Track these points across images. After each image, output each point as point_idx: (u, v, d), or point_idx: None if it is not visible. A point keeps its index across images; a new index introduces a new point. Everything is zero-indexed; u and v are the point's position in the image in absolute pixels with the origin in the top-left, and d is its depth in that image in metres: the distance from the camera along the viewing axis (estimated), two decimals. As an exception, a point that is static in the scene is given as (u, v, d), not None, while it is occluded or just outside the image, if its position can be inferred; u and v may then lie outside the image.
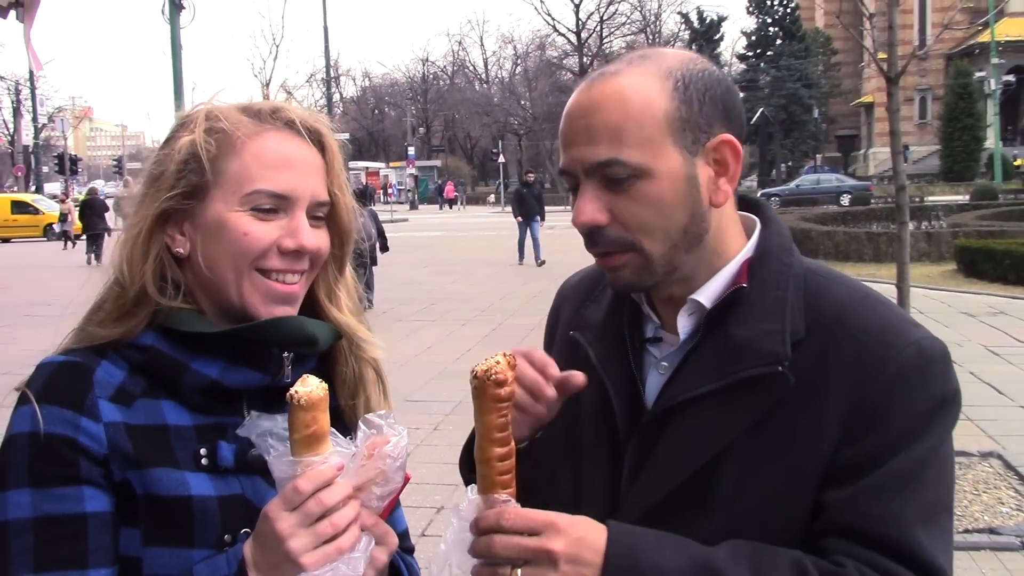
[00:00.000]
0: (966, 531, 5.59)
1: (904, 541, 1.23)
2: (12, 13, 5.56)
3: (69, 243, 32.19)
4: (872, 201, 39.09)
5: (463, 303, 16.17)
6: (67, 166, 44.14)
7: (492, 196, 69.66)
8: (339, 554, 1.21)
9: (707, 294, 1.38)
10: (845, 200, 42.50)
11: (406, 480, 1.33)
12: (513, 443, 1.27)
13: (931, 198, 38.41)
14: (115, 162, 65.96)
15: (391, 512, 1.36)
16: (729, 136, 1.36)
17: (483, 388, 1.24)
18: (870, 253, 20.25)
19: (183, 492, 1.30)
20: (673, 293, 1.40)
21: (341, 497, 1.21)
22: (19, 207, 41.11)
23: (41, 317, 15.21)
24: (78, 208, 28.73)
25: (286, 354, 1.40)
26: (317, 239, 1.39)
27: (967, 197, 36.93)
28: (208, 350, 1.35)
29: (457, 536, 1.27)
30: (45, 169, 62.72)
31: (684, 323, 1.40)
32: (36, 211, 40.79)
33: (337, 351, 1.49)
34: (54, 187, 52.18)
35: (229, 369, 1.35)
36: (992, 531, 5.56)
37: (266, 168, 1.36)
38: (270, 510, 1.20)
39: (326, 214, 1.43)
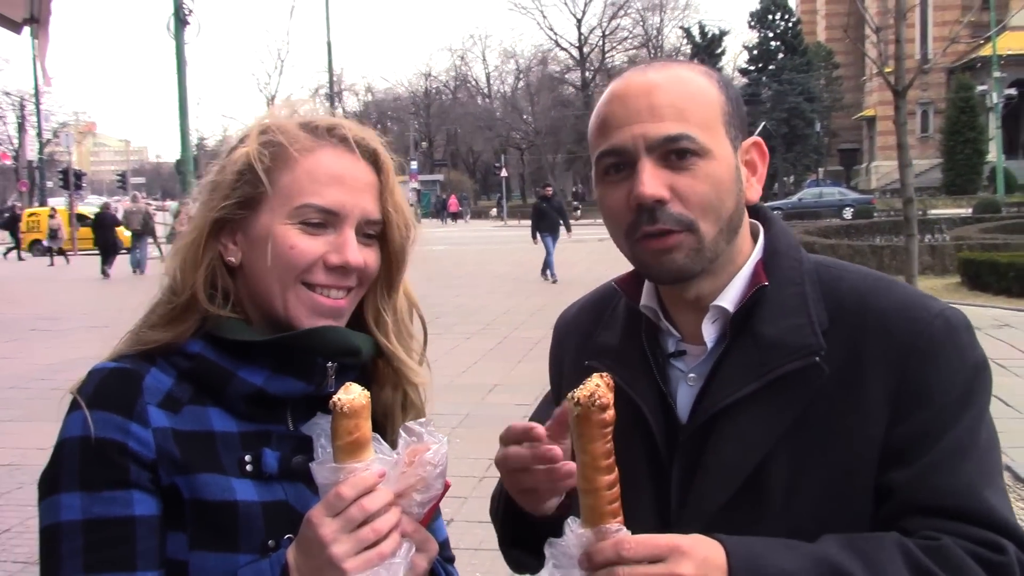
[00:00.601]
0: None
1: (980, 508, 1.26)
2: (27, 29, 5.61)
3: (58, 258, 32.45)
4: (875, 214, 39.11)
5: (467, 316, 16.18)
6: (71, 181, 44.14)
7: (494, 210, 69.73)
8: (380, 560, 1.23)
9: (728, 298, 1.40)
10: (848, 213, 42.51)
11: (446, 487, 1.33)
12: (617, 469, 1.22)
13: (934, 211, 38.39)
14: (119, 177, 66.09)
15: (432, 520, 1.37)
16: (759, 140, 1.42)
17: (587, 415, 1.18)
18: (873, 266, 20.12)
19: (229, 497, 1.32)
20: (700, 294, 1.41)
21: (383, 503, 1.23)
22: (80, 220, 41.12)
23: (48, 331, 15.26)
24: (92, 223, 28.99)
25: (330, 364, 1.41)
26: (364, 256, 1.41)
27: (970, 210, 36.94)
28: (254, 359, 1.37)
29: (558, 574, 1.22)
30: (50, 184, 62.76)
31: (709, 330, 1.41)
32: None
33: (381, 370, 1.50)
34: (58, 202, 52.27)
35: (274, 378, 1.37)
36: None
37: (317, 183, 1.38)
38: (313, 515, 1.22)
39: (378, 233, 1.44)
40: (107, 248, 27.19)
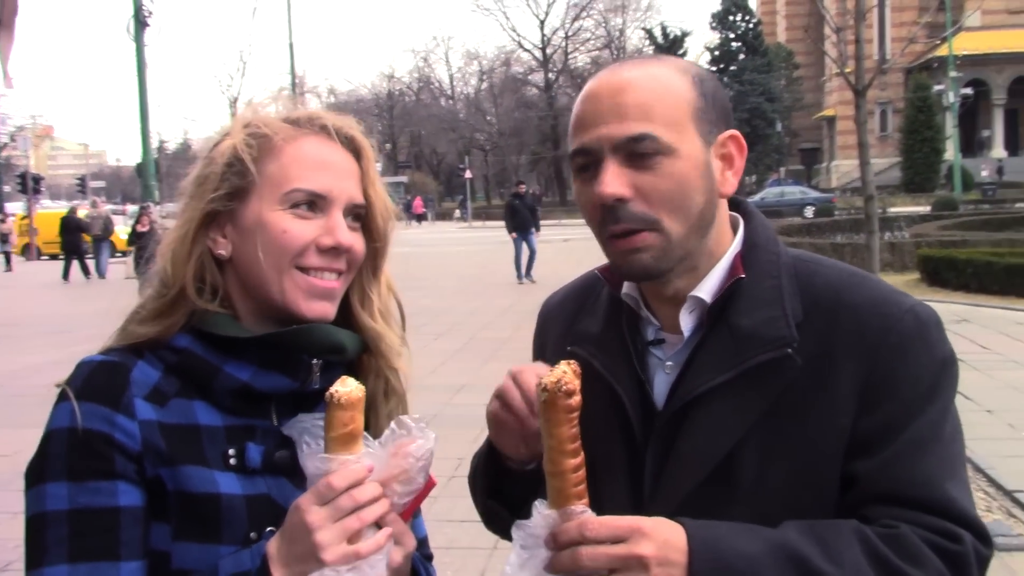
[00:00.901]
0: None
1: (939, 498, 1.30)
2: (-13, 31, 5.54)
3: (7, 264, 32.45)
4: (836, 213, 39.59)
5: (435, 317, 16.17)
6: (30, 185, 43.57)
7: (457, 211, 69.70)
8: (358, 557, 1.24)
9: (706, 289, 1.42)
10: (809, 212, 42.94)
11: (430, 484, 1.35)
12: (583, 454, 1.27)
13: (893, 209, 38.88)
14: (78, 181, 65.30)
15: (413, 516, 1.38)
16: (736, 132, 1.44)
17: (553, 401, 1.23)
18: (834, 264, 20.55)
19: (212, 490, 1.33)
20: (678, 289, 1.44)
21: (371, 496, 1.25)
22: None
23: (8, 337, 15.06)
24: (60, 225, 29.12)
25: (315, 361, 1.42)
26: (353, 239, 1.43)
27: (928, 208, 37.53)
28: (240, 354, 1.39)
29: (527, 554, 1.26)
30: (7, 189, 61.90)
31: (687, 320, 1.44)
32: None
33: (364, 362, 1.52)
34: (16, 206, 51.52)
35: (260, 373, 1.39)
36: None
37: (305, 169, 1.40)
38: (301, 502, 1.24)
39: (362, 217, 1.47)
40: (72, 252, 27.23)
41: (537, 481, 1.38)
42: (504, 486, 1.56)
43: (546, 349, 1.66)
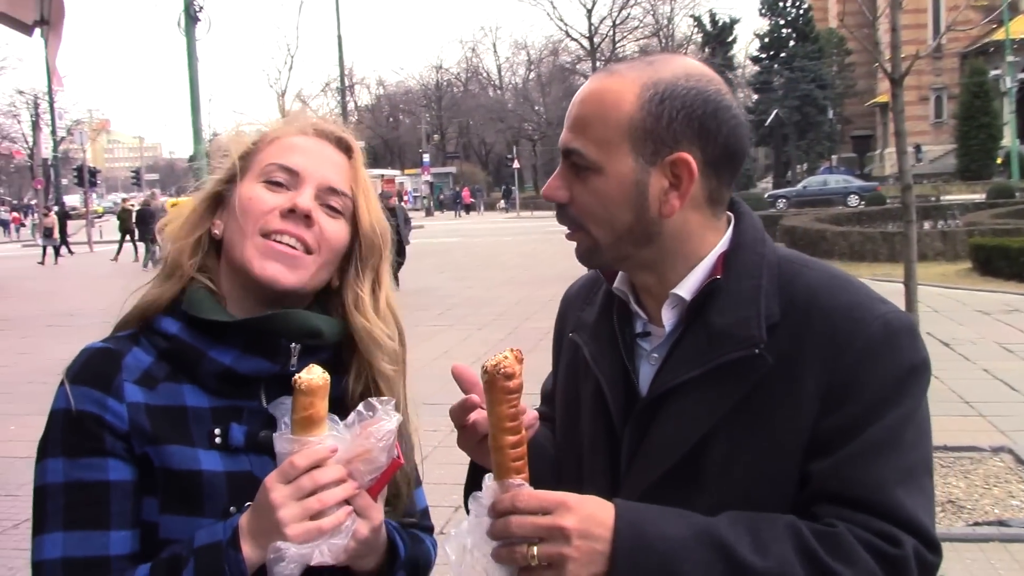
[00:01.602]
0: (976, 524, 5.67)
1: (885, 502, 1.32)
2: (37, 31, 5.73)
3: (52, 257, 33.19)
4: (888, 201, 38.99)
5: (479, 308, 16.29)
6: (86, 178, 44.44)
7: (501, 201, 69.67)
8: (320, 534, 1.33)
9: (686, 288, 1.48)
10: (853, 200, 42.23)
11: (395, 465, 1.42)
12: (524, 432, 1.36)
13: (947, 197, 38.24)
14: (133, 174, 66.43)
15: (382, 490, 1.44)
16: (687, 156, 1.42)
17: (493, 382, 1.33)
18: (885, 253, 20.24)
19: (194, 467, 1.45)
20: (648, 284, 1.51)
21: (333, 478, 1.35)
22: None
23: (64, 327, 15.44)
24: (135, 215, 30.99)
25: (293, 345, 1.52)
26: (321, 221, 1.53)
27: (984, 196, 36.78)
28: (224, 339, 1.50)
29: (475, 521, 1.36)
30: (64, 182, 63.17)
31: (668, 316, 1.50)
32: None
33: (354, 353, 1.60)
34: (74, 199, 52.61)
35: (242, 357, 1.49)
36: (1002, 523, 5.64)
37: (284, 150, 1.56)
38: (267, 481, 1.34)
39: (348, 214, 1.58)
40: (149, 241, 28.51)
41: None
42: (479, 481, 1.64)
43: (563, 335, 1.76)
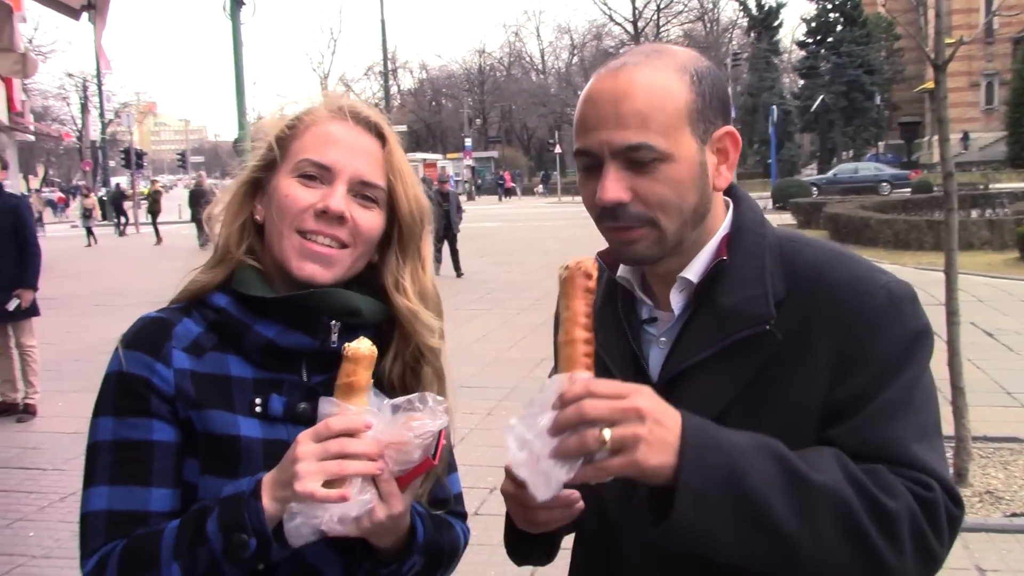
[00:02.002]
0: (1013, 515, 5.63)
1: (907, 456, 1.37)
2: (84, 15, 5.84)
3: (92, 238, 33.81)
4: (935, 188, 38.39)
5: (518, 292, 16.34)
6: (133, 160, 45.10)
7: (540, 187, 69.56)
8: (326, 499, 1.36)
9: (694, 270, 1.52)
10: (884, 189, 41.59)
11: (427, 464, 1.44)
12: (593, 332, 1.36)
13: (996, 185, 37.59)
14: (179, 156, 67.29)
15: (412, 483, 1.47)
16: (731, 128, 1.51)
17: (573, 277, 1.36)
18: (931, 241, 19.94)
19: (233, 432, 1.52)
20: (670, 269, 1.53)
21: (360, 451, 1.38)
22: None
23: (111, 307, 15.72)
24: (189, 196, 31.46)
25: (333, 322, 1.58)
26: (355, 214, 1.57)
27: (1033, 184, 36.09)
28: (269, 315, 1.56)
29: (533, 421, 1.31)
30: (112, 163, 64.09)
31: (676, 299, 1.53)
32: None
33: (396, 333, 1.65)
34: (120, 181, 53.33)
35: (285, 332, 1.56)
36: (1039, 515, 5.59)
37: (317, 144, 1.58)
38: (300, 435, 1.40)
39: (383, 201, 1.61)
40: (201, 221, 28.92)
41: (549, 539, 1.59)
42: (522, 544, 1.66)
43: None
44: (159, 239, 32.51)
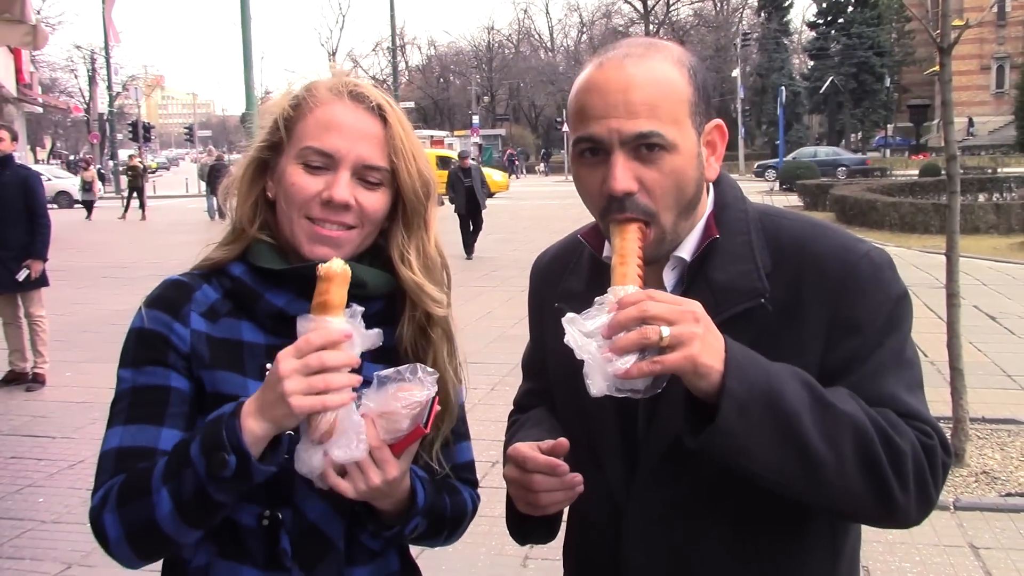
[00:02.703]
0: (1008, 495, 5.70)
1: (904, 408, 1.46)
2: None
3: (92, 212, 33.18)
4: (943, 171, 38.15)
5: (524, 270, 15.87)
6: (140, 133, 45.08)
7: (541, 165, 69.35)
8: (323, 407, 1.42)
9: (686, 249, 1.57)
10: (842, 173, 41.27)
11: (418, 433, 1.51)
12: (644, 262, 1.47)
13: (1005, 169, 37.41)
14: (186, 130, 67.18)
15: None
16: (719, 121, 1.58)
17: (630, 223, 1.47)
18: (937, 225, 19.89)
19: (242, 393, 1.56)
20: (664, 251, 1.57)
21: (340, 362, 1.43)
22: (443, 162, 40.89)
23: (118, 279, 15.82)
24: (208, 171, 30.83)
25: None
26: (360, 197, 1.61)
27: (1042, 169, 35.95)
28: (281, 284, 1.63)
29: (589, 320, 1.39)
30: (120, 136, 64.13)
31: (669, 277, 1.59)
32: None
33: (403, 305, 1.71)
34: (126, 154, 53.33)
35: (295, 301, 1.62)
36: (1034, 495, 5.66)
37: (320, 129, 1.61)
38: (281, 354, 1.44)
39: (388, 180, 1.65)
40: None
41: (549, 520, 1.66)
42: (523, 525, 1.72)
43: (542, 308, 1.81)
44: (143, 215, 32.05)
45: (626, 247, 1.46)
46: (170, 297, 1.65)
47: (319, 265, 1.47)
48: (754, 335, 1.49)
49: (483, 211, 19.48)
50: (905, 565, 4.82)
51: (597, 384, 1.36)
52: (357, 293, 1.60)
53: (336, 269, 1.46)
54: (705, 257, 1.56)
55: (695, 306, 1.36)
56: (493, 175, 38.23)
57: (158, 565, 1.67)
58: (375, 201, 1.64)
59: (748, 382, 1.35)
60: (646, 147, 1.47)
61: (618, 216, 1.50)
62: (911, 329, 1.55)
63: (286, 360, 1.42)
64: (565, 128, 61.88)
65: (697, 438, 1.38)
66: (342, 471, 1.50)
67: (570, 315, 1.40)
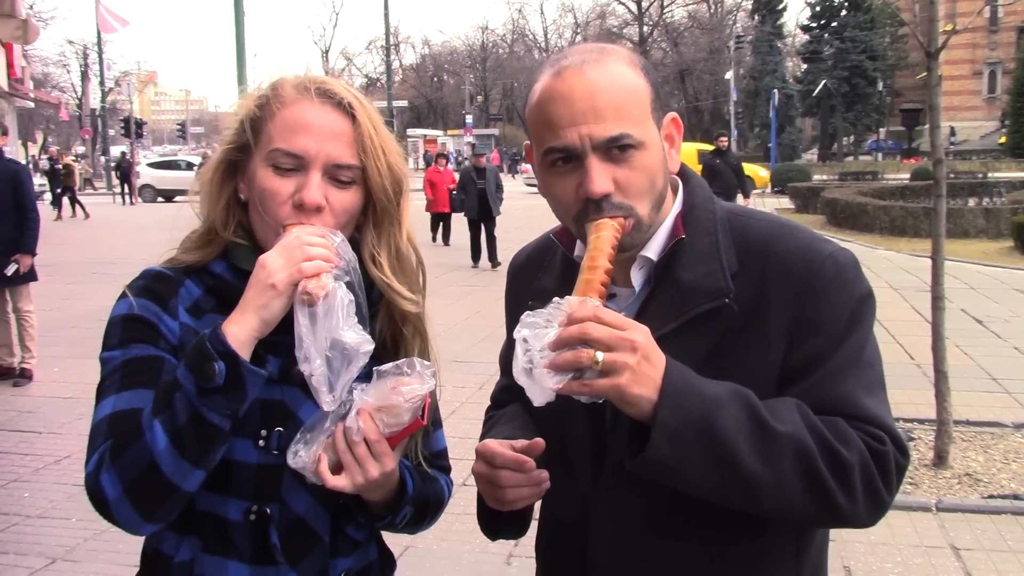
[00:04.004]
0: (990, 496, 5.73)
1: (860, 411, 1.48)
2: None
3: (79, 208, 32.19)
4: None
5: (496, 250, 16.37)
6: (132, 130, 44.95)
7: (525, 164, 69.21)
8: (300, 274, 1.47)
9: (653, 249, 1.60)
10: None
11: (416, 424, 1.54)
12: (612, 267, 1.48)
13: (996, 174, 37.55)
14: (179, 126, 67.09)
15: (434, 430, 1.59)
16: (675, 114, 1.61)
17: (609, 223, 1.48)
18: (927, 228, 19.81)
19: None
20: (634, 248, 1.59)
21: (318, 241, 1.50)
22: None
23: (107, 275, 15.77)
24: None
25: None
26: (332, 197, 1.60)
27: (1031, 174, 36.09)
28: None
29: (538, 332, 1.40)
30: (112, 132, 63.86)
31: (637, 276, 1.61)
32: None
33: (380, 307, 1.71)
34: (118, 151, 53.17)
35: None
36: (1016, 497, 5.70)
37: (287, 131, 1.60)
38: (263, 256, 1.51)
39: (359, 178, 1.64)
40: None
41: (518, 515, 1.68)
42: (493, 520, 1.75)
43: (518, 305, 1.80)
44: (86, 214, 31.01)
45: (600, 243, 1.48)
46: (158, 289, 1.63)
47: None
48: (720, 334, 1.52)
49: (496, 216, 17.95)
50: (887, 566, 4.86)
51: (535, 395, 1.41)
52: None
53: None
54: (672, 257, 1.58)
55: (638, 334, 1.38)
56: (758, 171, 35.56)
57: (138, 563, 1.67)
58: (347, 199, 1.63)
59: (682, 411, 1.38)
60: (618, 148, 1.50)
61: (596, 217, 1.52)
62: (872, 328, 1.57)
63: (268, 255, 1.49)
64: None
65: (632, 462, 1.42)
66: (337, 468, 1.52)
67: (525, 317, 1.43)
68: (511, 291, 1.90)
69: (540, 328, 1.40)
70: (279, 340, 1.61)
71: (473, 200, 17.67)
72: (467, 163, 19.07)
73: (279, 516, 1.61)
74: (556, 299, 1.43)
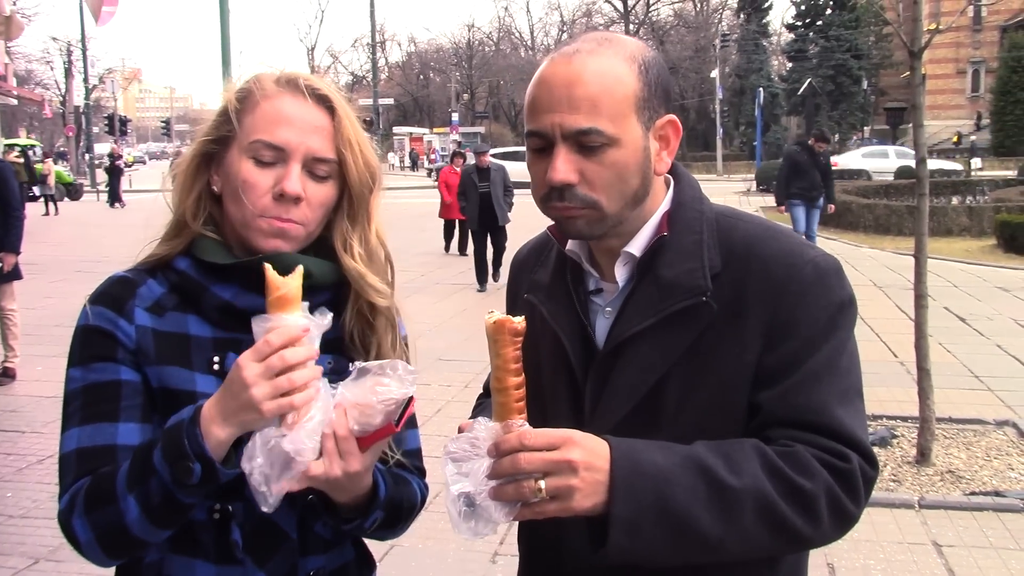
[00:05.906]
0: (972, 493, 5.78)
1: (829, 423, 1.48)
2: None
3: (51, 206, 32.16)
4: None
5: (500, 268, 16.36)
6: (117, 127, 44.76)
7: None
8: (292, 407, 1.42)
9: (637, 245, 1.61)
10: None
11: (388, 429, 1.49)
12: (524, 377, 1.44)
13: (979, 173, 37.75)
14: (163, 123, 66.74)
15: (406, 428, 1.55)
16: (673, 117, 1.60)
17: (502, 325, 1.42)
18: (911, 227, 19.97)
19: (190, 388, 1.59)
20: (612, 245, 1.62)
21: (302, 358, 1.43)
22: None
23: (92, 273, 15.68)
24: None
25: None
26: (310, 190, 1.62)
27: (1016, 172, 36.24)
28: (226, 277, 1.63)
29: (464, 465, 1.41)
30: (96, 130, 63.51)
31: (620, 272, 1.63)
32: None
33: (347, 294, 1.71)
34: (104, 148, 52.86)
35: (241, 293, 1.62)
36: (997, 494, 5.74)
37: (269, 123, 1.62)
38: (241, 358, 1.42)
39: (335, 172, 1.66)
40: None
41: None
42: None
43: (517, 297, 1.86)
44: (49, 211, 30.76)
45: (501, 362, 1.43)
46: (113, 293, 1.64)
47: (265, 264, 1.46)
48: (698, 332, 1.54)
49: (505, 225, 14.72)
50: (870, 563, 4.89)
51: (490, 524, 1.42)
52: (304, 284, 1.59)
53: (291, 283, 1.45)
54: (655, 253, 1.60)
55: (572, 450, 1.38)
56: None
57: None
58: (323, 193, 1.65)
59: (635, 500, 1.40)
60: (588, 141, 1.50)
61: (557, 205, 1.54)
62: (851, 335, 1.57)
63: (248, 366, 1.40)
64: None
65: (596, 554, 1.43)
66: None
67: (450, 445, 1.44)
68: (511, 284, 1.93)
69: (472, 459, 1.42)
70: (242, 338, 1.59)
71: (474, 207, 14.55)
72: (466, 166, 15.92)
73: (244, 514, 1.61)
74: (479, 420, 1.45)
